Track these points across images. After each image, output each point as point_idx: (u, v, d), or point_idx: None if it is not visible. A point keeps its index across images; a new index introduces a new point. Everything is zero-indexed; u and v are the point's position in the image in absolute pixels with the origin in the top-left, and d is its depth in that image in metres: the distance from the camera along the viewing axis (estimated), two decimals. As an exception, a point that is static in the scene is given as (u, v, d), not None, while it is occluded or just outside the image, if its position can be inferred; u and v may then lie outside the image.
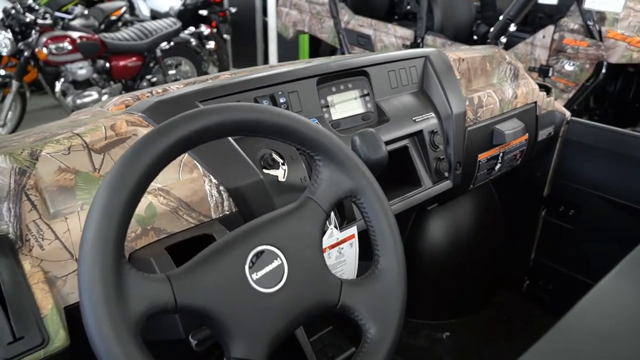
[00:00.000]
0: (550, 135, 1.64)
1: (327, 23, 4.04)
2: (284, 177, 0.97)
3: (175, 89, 1.02)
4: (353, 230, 1.06)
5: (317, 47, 5.00)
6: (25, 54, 3.86)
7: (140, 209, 0.79)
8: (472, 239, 1.80)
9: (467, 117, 1.32)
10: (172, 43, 4.61)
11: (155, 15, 5.86)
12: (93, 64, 4.18)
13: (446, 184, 1.27)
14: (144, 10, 6.01)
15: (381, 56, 1.23)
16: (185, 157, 0.88)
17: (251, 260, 0.61)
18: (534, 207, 1.80)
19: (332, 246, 1.03)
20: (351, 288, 0.68)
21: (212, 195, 0.87)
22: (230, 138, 0.92)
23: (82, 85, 4.17)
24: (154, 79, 4.55)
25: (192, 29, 4.90)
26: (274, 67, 1.16)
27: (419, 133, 1.23)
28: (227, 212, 0.89)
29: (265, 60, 6.13)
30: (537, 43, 2.69)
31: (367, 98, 1.20)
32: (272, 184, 0.95)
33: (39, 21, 3.94)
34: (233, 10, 5.56)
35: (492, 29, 1.71)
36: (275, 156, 0.96)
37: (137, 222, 0.78)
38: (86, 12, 4.71)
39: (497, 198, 1.84)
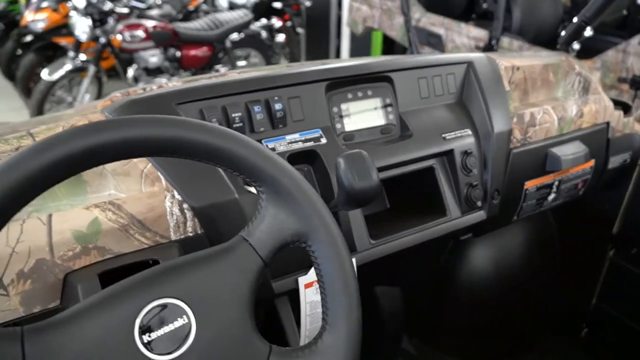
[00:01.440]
0: (626, 162, 1.37)
1: (397, 20, 3.83)
2: None
3: (172, 86, 0.92)
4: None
5: (391, 45, 4.79)
6: (102, 40, 4.01)
7: (82, 223, 0.69)
8: (522, 274, 1.57)
9: (514, 137, 1.11)
10: (242, 34, 4.61)
11: (233, 7, 5.92)
12: (164, 52, 4.27)
13: (478, 215, 1.08)
14: (222, 1, 6.09)
15: (410, 60, 1.05)
16: (148, 167, 0.77)
17: (146, 317, 0.48)
18: (600, 245, 1.53)
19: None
20: None
21: (172, 214, 0.76)
22: None
23: (153, 72, 4.28)
24: (223, 69, 4.58)
25: (263, 21, 4.88)
26: (292, 67, 1.02)
27: (449, 153, 1.04)
28: (191, 234, 0.77)
29: (337, 56, 6.00)
30: (630, 50, 2.33)
31: (390, 108, 1.03)
32: (253, 205, 0.82)
33: (117, 9, 4.08)
34: (308, 3, 5.47)
35: (563, 33, 1.46)
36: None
37: (76, 239, 0.69)
38: (159, 1, 4.83)
39: (557, 231, 1.59)
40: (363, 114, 1.02)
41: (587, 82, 1.31)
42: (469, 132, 1.07)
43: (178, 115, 0.80)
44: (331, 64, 0.99)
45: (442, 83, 1.08)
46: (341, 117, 1.00)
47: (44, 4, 4.63)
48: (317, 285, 0.88)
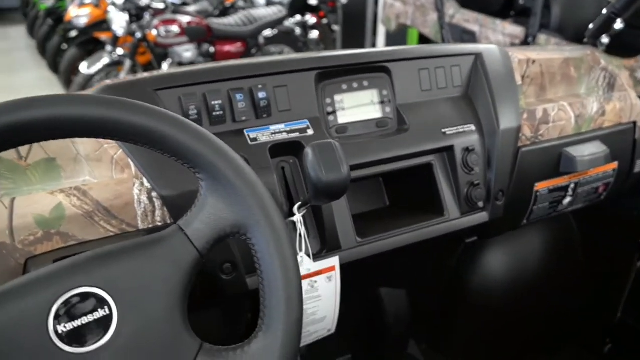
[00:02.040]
0: None
1: (430, 17, 3.73)
2: None
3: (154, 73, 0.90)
4: (334, 261, 0.87)
5: (427, 43, 4.69)
6: (138, 35, 4.09)
7: (45, 208, 0.68)
8: (540, 281, 1.48)
9: (523, 134, 1.04)
10: (275, 31, 4.61)
11: (270, 3, 5.94)
12: (198, 47, 4.33)
13: (480, 217, 1.01)
14: (259, -3, 6.13)
15: (411, 49, 0.99)
16: (118, 153, 0.75)
17: (64, 305, 0.45)
18: (626, 254, 1.42)
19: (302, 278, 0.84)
20: (212, 359, 0.50)
21: (140, 202, 0.73)
22: None
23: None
24: (255, 66, 4.59)
25: (298, 17, 4.87)
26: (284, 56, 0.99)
27: (449, 149, 0.98)
28: (160, 224, 0.75)
29: (373, 54, 5.92)
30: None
31: (387, 101, 0.98)
32: None
33: (153, 5, 4.16)
34: (344, 0, 5.42)
35: (591, 25, 1.36)
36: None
37: (37, 224, 0.67)
38: None
39: (579, 237, 1.48)
40: (358, 106, 0.97)
41: (612, 78, 1.21)
42: (473, 128, 1.00)
43: (155, 102, 0.78)
44: (324, 53, 0.95)
45: (446, 75, 1.02)
46: (334, 108, 0.96)
47: (87, 0, 4.78)
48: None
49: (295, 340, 0.51)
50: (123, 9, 4.02)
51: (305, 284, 0.85)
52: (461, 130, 0.99)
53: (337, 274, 0.87)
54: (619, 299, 1.46)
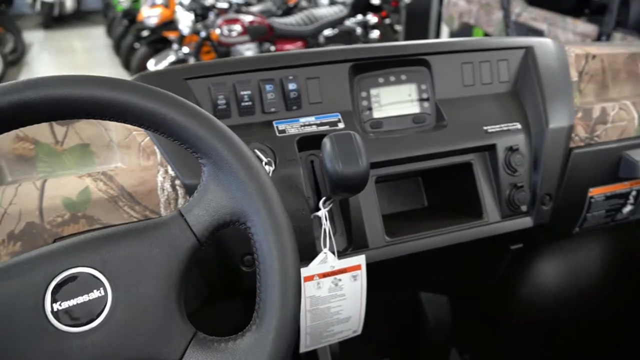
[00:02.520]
0: None
1: (495, 15, 3.58)
2: None
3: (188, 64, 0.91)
4: (360, 259, 0.84)
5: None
6: (202, 34, 4.23)
7: (73, 191, 0.70)
8: (596, 298, 1.37)
9: (576, 134, 0.96)
10: (336, 30, 4.60)
11: (333, 3, 5.95)
12: (260, 46, 4.40)
13: (523, 222, 0.94)
14: (322, -3, 6.15)
15: (453, 42, 0.94)
16: (145, 140, 0.76)
17: (60, 284, 0.46)
18: None
19: (325, 275, 0.82)
20: (202, 350, 0.48)
21: (163, 189, 0.74)
22: None
23: (248, 66, 4.43)
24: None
25: (359, 17, 4.83)
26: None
27: (491, 148, 0.92)
28: None
29: (436, 54, 5.77)
30: None
31: (426, 96, 0.94)
32: None
33: (217, 4, 4.28)
34: (407, 0, 5.33)
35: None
36: (258, 152, 0.79)
37: (65, 206, 0.69)
38: None
39: None
40: (395, 101, 0.93)
41: (687, 75, 1.09)
42: (519, 126, 0.93)
43: (185, 91, 0.78)
44: (359, 45, 0.92)
45: (492, 70, 0.96)
46: (370, 102, 0.92)
47: (158, 1, 5.00)
48: (319, 280, 0.82)
49: (289, 337, 0.48)
50: (189, 8, 4.17)
51: (328, 281, 0.82)
52: (505, 128, 0.92)
53: (363, 273, 0.84)
54: None
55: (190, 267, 0.51)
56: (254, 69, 0.83)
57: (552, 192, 0.94)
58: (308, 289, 0.81)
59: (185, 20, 4.14)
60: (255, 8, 4.88)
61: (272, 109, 0.83)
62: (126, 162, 0.78)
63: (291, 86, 0.84)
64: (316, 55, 0.86)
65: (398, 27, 5.50)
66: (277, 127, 0.83)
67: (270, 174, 0.78)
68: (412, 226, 0.91)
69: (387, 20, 5.45)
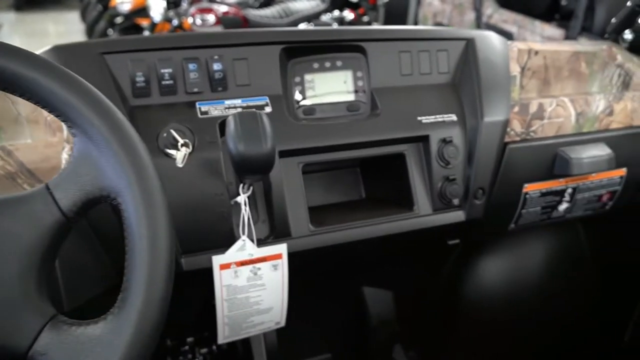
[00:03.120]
0: None
1: (467, 16, 3.60)
2: (182, 162, 0.75)
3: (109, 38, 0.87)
4: (281, 248, 0.81)
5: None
6: (174, 22, 4.14)
7: None
8: (541, 295, 1.37)
9: (512, 129, 0.95)
10: (311, 25, 4.56)
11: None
12: (233, 38, 4.34)
13: (455, 216, 0.92)
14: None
15: (391, 30, 0.92)
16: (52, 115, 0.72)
17: None
18: (638, 269, 1.29)
19: (242, 263, 0.79)
20: (56, 335, 0.45)
21: None
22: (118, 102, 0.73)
23: (221, 57, 4.37)
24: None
25: (336, 13, 4.81)
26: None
27: (424, 139, 0.90)
28: None
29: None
30: None
31: (361, 83, 0.91)
32: (160, 169, 0.75)
33: None
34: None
35: (613, 20, 1.24)
36: (174, 134, 0.75)
37: None
38: None
39: (587, 248, 1.36)
40: (330, 87, 0.91)
41: (628, 76, 1.09)
42: (454, 118, 0.92)
43: (101, 65, 0.74)
44: (293, 28, 0.89)
45: (431, 60, 0.94)
46: (303, 88, 0.90)
47: (132, -13, 4.89)
48: (237, 268, 0.79)
49: (153, 324, 0.45)
50: (162, -5, 4.08)
51: (247, 270, 0.79)
52: (440, 119, 0.91)
53: (284, 263, 0.81)
54: (627, 320, 1.33)
55: (57, 245, 0.47)
56: (177, 46, 0.79)
57: (485, 186, 0.92)
58: (225, 277, 0.78)
59: (157, 7, 4.05)
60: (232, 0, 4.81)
61: (195, 89, 0.80)
62: (35, 138, 0.73)
63: (216, 66, 0.80)
64: (245, 35, 0.83)
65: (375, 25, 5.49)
66: (199, 108, 0.79)
67: (186, 157, 0.74)
68: (340, 217, 0.89)
69: (365, 18, 5.44)
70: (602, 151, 1.00)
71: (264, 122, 0.61)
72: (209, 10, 4.18)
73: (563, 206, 1.04)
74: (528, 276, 1.36)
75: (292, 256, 0.83)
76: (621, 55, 1.12)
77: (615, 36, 1.22)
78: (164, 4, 4.10)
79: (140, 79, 0.76)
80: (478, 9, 3.41)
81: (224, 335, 0.83)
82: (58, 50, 0.74)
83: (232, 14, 4.29)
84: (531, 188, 0.98)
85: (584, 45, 1.14)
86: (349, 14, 4.84)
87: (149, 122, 0.77)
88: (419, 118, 0.90)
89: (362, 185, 1.01)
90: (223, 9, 4.24)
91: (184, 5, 4.18)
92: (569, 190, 1.03)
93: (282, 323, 0.88)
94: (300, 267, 0.85)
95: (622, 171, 1.06)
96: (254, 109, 0.62)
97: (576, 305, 1.40)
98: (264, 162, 0.60)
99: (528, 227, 1.06)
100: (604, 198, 1.08)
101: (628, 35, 1.20)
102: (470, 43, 0.95)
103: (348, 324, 1.40)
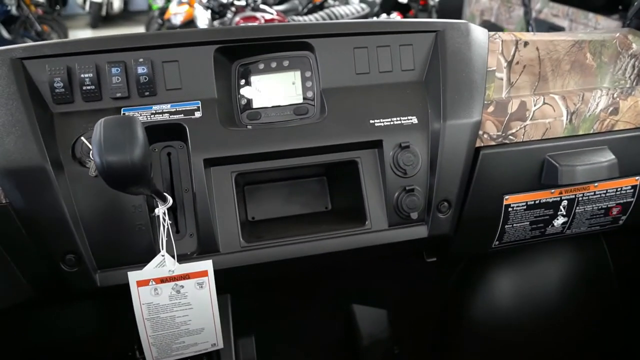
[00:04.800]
0: None
1: (516, 12, 3.36)
2: (94, 172, 0.71)
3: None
4: (206, 265, 0.74)
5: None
6: (220, 31, 4.23)
7: None
8: (561, 313, 1.21)
9: (486, 132, 0.82)
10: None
11: (363, 0, 5.83)
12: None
13: (415, 231, 0.81)
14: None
15: (342, 24, 0.83)
16: None
17: None
18: None
19: (162, 280, 0.73)
20: None
21: None
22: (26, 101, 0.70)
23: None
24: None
25: (383, 16, 4.70)
26: None
27: (378, 145, 0.80)
28: None
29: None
30: None
31: (310, 84, 0.83)
32: (74, 178, 0.71)
33: (235, 2, 4.27)
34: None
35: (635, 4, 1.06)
36: (86, 142, 0.71)
37: None
38: None
39: (612, 264, 1.18)
40: (276, 90, 0.84)
41: (644, 67, 0.93)
42: (414, 121, 0.81)
43: (19, 71, 0.72)
44: (230, 27, 0.83)
45: (392, 56, 0.84)
46: (249, 91, 0.83)
47: (185, -1, 5.06)
48: (156, 285, 0.74)
49: None
50: (207, 6, 4.18)
51: (168, 287, 0.73)
52: (396, 122, 0.80)
53: (210, 281, 0.74)
54: None
55: None
56: (101, 49, 0.75)
57: (451, 198, 0.81)
58: (143, 295, 0.73)
59: (202, 18, 4.16)
60: (280, 7, 4.84)
61: (119, 94, 0.75)
62: None
63: (141, 69, 0.75)
64: (175, 36, 0.78)
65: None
66: (123, 113, 0.75)
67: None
68: (284, 231, 0.81)
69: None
70: (604, 157, 0.84)
71: (135, 128, 0.55)
72: (254, 19, 4.23)
73: (559, 221, 0.90)
74: (543, 295, 1.20)
75: (224, 273, 0.76)
76: (637, 43, 0.95)
77: (637, 21, 1.04)
78: (209, 14, 4.19)
79: (58, 84, 0.73)
80: (526, 4, 3.18)
81: (152, 356, 0.78)
82: None
83: (277, 21, 4.31)
84: (514, 200, 0.85)
85: (591, 34, 0.98)
86: (396, 17, 4.72)
87: (69, 130, 0.73)
88: (372, 121, 0.80)
89: (329, 196, 0.93)
90: (267, 16, 4.28)
91: (229, 15, 4.25)
92: (564, 203, 0.88)
93: (220, 345, 0.81)
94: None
95: (635, 180, 0.90)
96: (128, 116, 0.56)
97: (597, 327, 1.22)
98: (127, 172, 0.54)
99: (519, 245, 0.92)
100: (614, 211, 0.92)
101: (654, 20, 1.02)
102: (440, 35, 0.84)
103: (337, 346, 1.30)
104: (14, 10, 6.30)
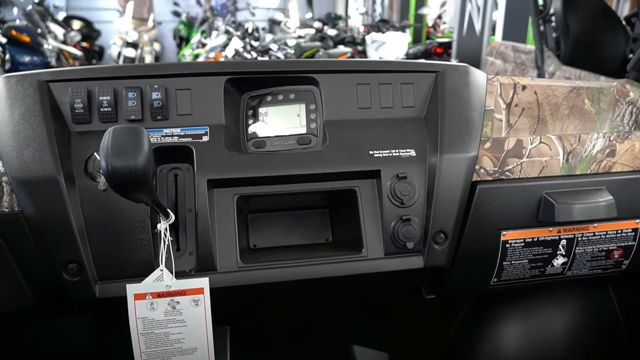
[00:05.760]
0: None
1: (529, 74, 3.44)
2: (103, 186, 0.75)
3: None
4: (202, 282, 0.76)
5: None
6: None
7: None
8: None
9: (482, 167, 0.85)
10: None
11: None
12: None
13: (411, 262, 0.82)
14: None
15: (347, 62, 0.89)
16: None
17: None
18: None
19: (159, 295, 0.75)
20: None
21: None
22: (50, 118, 0.75)
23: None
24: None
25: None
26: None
27: (376, 175, 0.83)
28: (6, 210, 0.72)
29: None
30: None
31: (314, 116, 0.88)
32: (84, 191, 0.75)
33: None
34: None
35: (632, 56, 1.10)
36: (97, 156, 0.75)
37: None
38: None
39: (619, 313, 1.15)
40: (282, 121, 0.88)
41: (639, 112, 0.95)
42: (412, 153, 0.84)
43: (44, 92, 0.78)
44: (241, 60, 0.88)
45: (393, 93, 0.88)
46: (256, 121, 0.88)
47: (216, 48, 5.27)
48: (153, 300, 0.75)
49: None
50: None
51: (164, 303, 0.75)
52: (395, 153, 0.83)
53: (206, 298, 0.76)
54: None
55: None
56: (120, 75, 0.81)
57: (448, 230, 0.82)
58: (140, 309, 0.74)
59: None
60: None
61: (133, 117, 0.81)
62: None
63: (155, 95, 0.81)
64: (189, 66, 0.84)
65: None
66: None
67: (106, 185, 0.74)
68: (281, 255, 0.83)
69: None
70: (600, 197, 0.85)
71: (141, 137, 0.59)
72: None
73: (559, 261, 0.89)
74: (549, 345, 1.17)
75: (221, 293, 0.77)
76: (634, 92, 0.98)
77: (636, 74, 1.08)
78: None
79: (78, 105, 0.79)
80: (540, 67, 3.26)
81: (144, 374, 0.78)
82: (7, 78, 0.79)
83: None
84: (511, 236, 0.86)
85: (588, 82, 1.01)
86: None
87: (84, 147, 0.78)
88: (371, 152, 0.83)
89: (330, 228, 0.95)
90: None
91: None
92: (563, 242, 0.88)
93: None
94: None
95: (635, 223, 0.90)
96: (136, 126, 0.60)
97: None
98: (130, 176, 0.57)
99: (519, 285, 0.92)
100: (615, 255, 0.91)
101: (653, 72, 1.05)
102: (440, 75, 0.89)
103: None
104: (53, 62, 6.69)
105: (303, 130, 0.87)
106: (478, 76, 0.90)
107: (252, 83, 0.87)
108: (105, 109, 0.80)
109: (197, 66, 0.84)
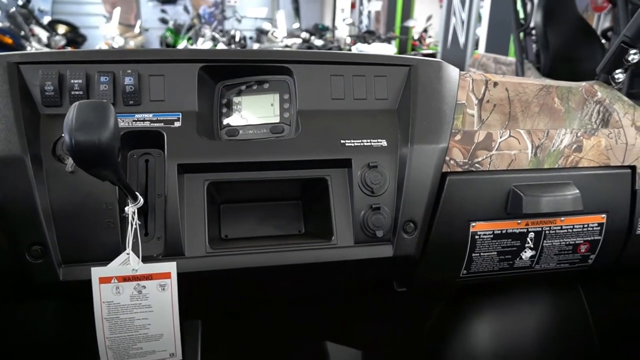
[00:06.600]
0: None
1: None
2: (71, 167, 0.74)
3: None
4: (170, 266, 0.75)
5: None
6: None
7: None
8: None
9: (452, 158, 0.86)
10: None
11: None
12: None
13: (381, 250, 0.83)
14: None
15: (321, 53, 0.90)
16: None
17: None
18: None
19: (125, 279, 0.74)
20: None
21: None
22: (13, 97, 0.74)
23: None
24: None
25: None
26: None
27: (347, 164, 0.83)
28: None
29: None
30: None
31: (287, 105, 0.88)
32: (51, 173, 0.74)
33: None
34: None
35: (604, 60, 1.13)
36: (66, 138, 0.75)
37: None
38: None
39: (589, 313, 1.17)
40: (256, 110, 0.89)
41: (608, 113, 0.97)
42: (384, 143, 0.85)
43: (13, 73, 0.77)
44: (217, 49, 0.89)
45: (367, 85, 0.89)
46: (230, 110, 0.88)
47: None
48: (118, 284, 0.74)
49: None
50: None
51: (130, 287, 0.74)
52: (366, 143, 0.84)
53: (172, 283, 0.75)
54: None
55: None
56: (92, 59, 0.81)
57: (417, 219, 0.83)
58: (105, 293, 0.73)
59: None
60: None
61: (104, 101, 0.80)
62: None
63: (128, 80, 0.81)
64: (163, 53, 0.84)
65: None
66: None
67: (74, 166, 0.74)
68: (250, 243, 0.83)
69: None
70: (567, 191, 0.87)
71: (107, 113, 0.59)
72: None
73: (527, 254, 0.91)
74: (520, 342, 1.18)
75: (188, 279, 0.77)
76: (601, 92, 1.01)
77: (605, 77, 1.11)
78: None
79: (49, 88, 0.78)
80: (520, 78, 3.33)
81: (108, 361, 0.77)
82: None
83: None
84: (480, 227, 0.87)
85: (558, 82, 1.04)
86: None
87: (53, 130, 0.77)
88: (343, 141, 0.84)
89: (303, 220, 0.95)
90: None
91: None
92: (531, 235, 0.89)
93: (178, 356, 0.80)
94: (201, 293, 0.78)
95: (601, 218, 0.91)
96: (101, 101, 0.60)
97: None
98: (94, 151, 0.57)
99: (489, 278, 0.93)
100: (582, 249, 0.93)
101: (619, 75, 1.08)
102: (413, 69, 0.90)
103: None
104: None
105: (276, 120, 0.88)
106: (450, 71, 0.92)
107: (226, 72, 0.88)
108: (77, 92, 0.79)
109: (171, 53, 0.84)
